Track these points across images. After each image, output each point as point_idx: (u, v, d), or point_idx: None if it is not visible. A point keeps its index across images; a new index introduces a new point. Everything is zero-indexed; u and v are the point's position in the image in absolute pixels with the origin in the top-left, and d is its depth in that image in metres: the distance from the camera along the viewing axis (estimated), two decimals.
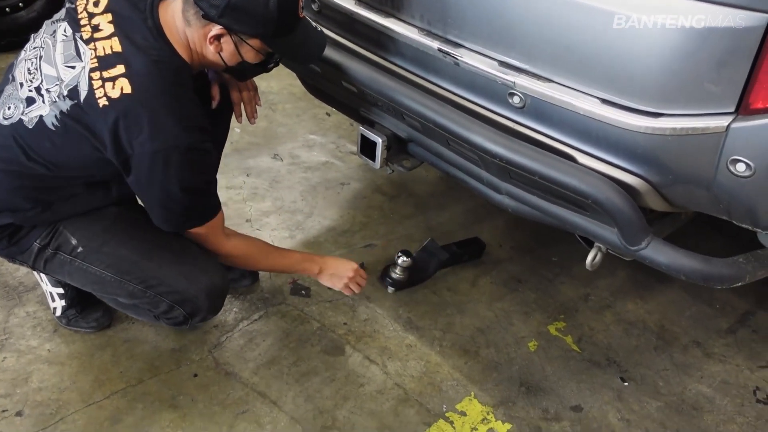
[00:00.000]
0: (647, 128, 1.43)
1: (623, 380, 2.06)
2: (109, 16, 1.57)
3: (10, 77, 1.68)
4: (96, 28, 1.56)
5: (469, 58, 1.70)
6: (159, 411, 1.80)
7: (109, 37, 1.54)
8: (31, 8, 3.49)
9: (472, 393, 1.96)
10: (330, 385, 1.93)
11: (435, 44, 1.76)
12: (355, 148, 2.77)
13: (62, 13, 1.65)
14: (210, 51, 1.59)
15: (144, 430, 1.75)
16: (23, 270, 2.16)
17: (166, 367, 1.93)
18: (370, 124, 2.15)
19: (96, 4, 1.59)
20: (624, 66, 1.44)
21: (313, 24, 1.81)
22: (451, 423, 1.87)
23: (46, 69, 1.58)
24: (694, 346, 2.22)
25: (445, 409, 1.90)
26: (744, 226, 1.54)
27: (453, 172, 2.05)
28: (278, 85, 3.58)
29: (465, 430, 1.85)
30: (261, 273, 2.26)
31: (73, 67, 1.55)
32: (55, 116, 1.55)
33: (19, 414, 1.75)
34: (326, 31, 2.12)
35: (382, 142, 2.08)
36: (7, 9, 3.43)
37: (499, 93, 1.69)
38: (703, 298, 2.41)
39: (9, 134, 1.61)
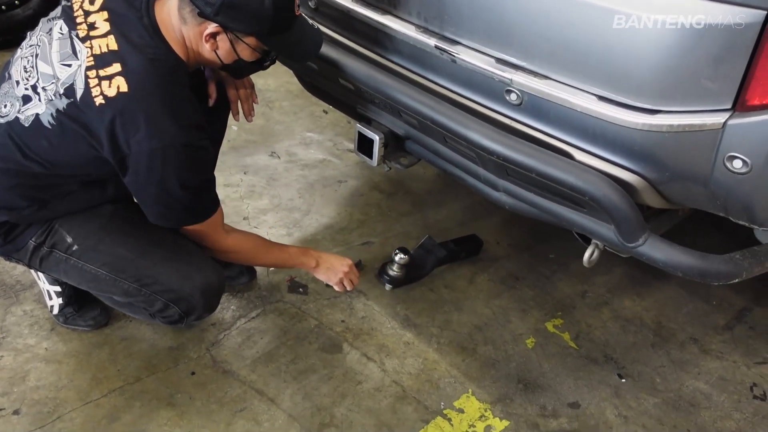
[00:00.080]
0: (644, 125, 1.43)
1: (620, 377, 2.07)
2: (105, 14, 1.56)
3: (6, 75, 1.67)
4: (92, 26, 1.55)
5: (466, 55, 1.70)
6: (157, 409, 1.80)
7: (105, 35, 1.54)
8: (27, 6, 3.49)
9: (470, 390, 1.96)
10: (328, 382, 1.93)
11: (432, 41, 1.76)
12: (352, 146, 2.77)
13: (58, 11, 1.64)
14: (206, 49, 1.58)
15: (142, 428, 1.75)
16: (20, 268, 2.16)
17: (164, 365, 1.93)
18: (368, 121, 2.15)
19: (92, 2, 1.58)
20: (621, 63, 1.43)
21: (310, 21, 1.81)
22: (449, 420, 1.87)
23: (42, 67, 1.58)
24: (691, 342, 2.23)
25: (442, 407, 1.90)
26: (741, 222, 1.55)
27: (450, 170, 2.05)
28: (275, 82, 3.57)
29: (463, 427, 1.86)
30: (258, 271, 2.26)
31: (69, 66, 1.54)
32: (52, 114, 1.55)
33: (16, 413, 1.75)
34: (323, 29, 2.12)
35: (380, 139, 2.08)
36: (3, 7, 3.42)
37: (497, 90, 1.69)
38: (700, 295, 2.42)
39: (5, 132, 1.61)
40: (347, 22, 2.04)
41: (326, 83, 2.22)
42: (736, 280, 1.61)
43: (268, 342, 2.04)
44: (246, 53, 1.61)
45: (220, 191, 1.78)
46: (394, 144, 2.13)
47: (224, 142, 2.17)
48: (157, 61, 1.53)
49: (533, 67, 1.60)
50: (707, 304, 2.39)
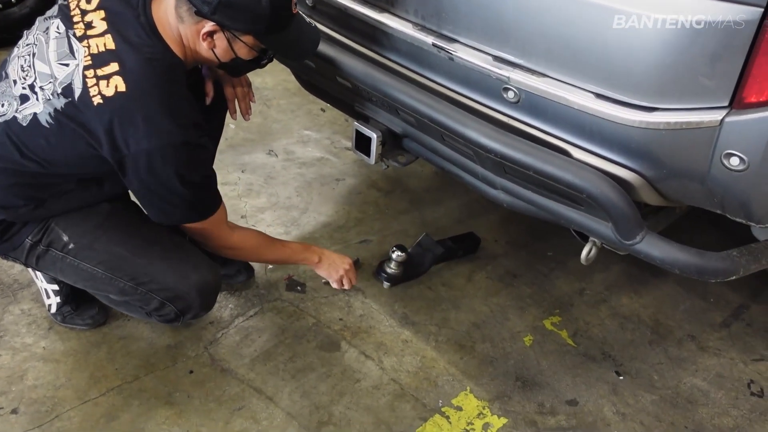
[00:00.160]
0: (641, 122, 1.43)
1: (618, 374, 2.07)
2: (102, 13, 1.56)
3: (3, 74, 1.67)
4: (89, 26, 1.55)
5: (463, 53, 1.70)
6: (155, 408, 1.80)
7: (102, 35, 1.53)
8: (24, 4, 3.48)
9: (468, 388, 1.97)
10: (326, 380, 1.94)
11: (429, 39, 1.76)
12: (349, 144, 2.77)
13: (55, 9, 1.64)
14: (203, 47, 1.58)
15: (140, 427, 1.75)
16: (18, 267, 2.16)
17: (162, 363, 1.93)
18: (365, 119, 2.15)
19: (88, 1, 1.58)
20: (619, 60, 1.43)
21: (307, 20, 1.81)
22: (447, 418, 1.87)
23: (40, 66, 1.58)
24: (688, 339, 2.23)
25: (440, 404, 1.91)
26: (738, 220, 1.55)
27: (448, 168, 2.05)
28: (273, 80, 3.57)
29: (461, 424, 1.86)
30: (256, 269, 2.26)
31: (66, 65, 1.54)
32: (49, 114, 1.55)
33: (14, 412, 1.75)
34: (320, 27, 2.11)
35: (377, 137, 2.08)
36: None
37: (494, 88, 1.69)
38: (698, 292, 2.42)
39: (3, 132, 1.60)
40: (345, 20, 2.03)
41: (324, 81, 2.22)
42: (733, 278, 1.61)
43: (266, 340, 2.04)
44: (243, 52, 1.61)
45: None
46: (392, 142, 2.14)
47: (222, 140, 2.17)
48: (155, 60, 1.53)
49: (531, 64, 1.60)
50: (704, 302, 2.39)
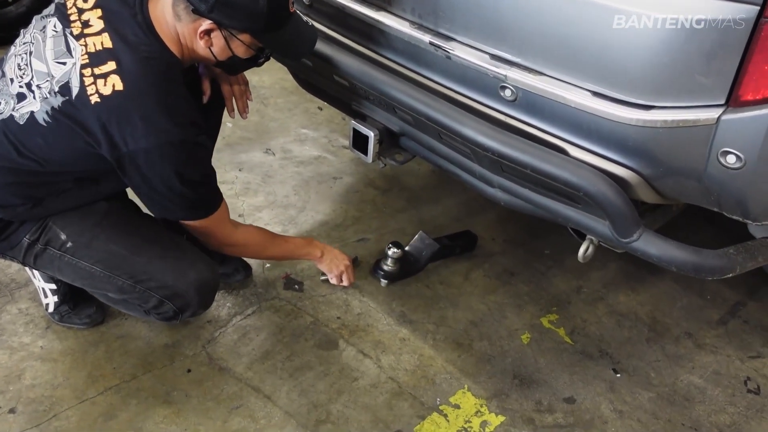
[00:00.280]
0: (638, 121, 1.44)
1: (616, 372, 2.08)
2: (98, 12, 1.56)
3: (0, 73, 1.67)
4: (86, 24, 1.55)
5: (460, 52, 1.70)
6: (153, 407, 1.80)
7: (99, 33, 1.53)
8: (20, 3, 3.47)
9: (466, 386, 1.97)
10: (324, 379, 1.94)
11: (426, 38, 1.76)
12: (347, 142, 2.77)
13: (51, 8, 1.64)
14: (200, 46, 1.58)
15: (138, 426, 1.75)
16: (15, 266, 2.15)
17: (160, 362, 1.93)
18: (362, 118, 2.15)
19: (85, 0, 1.58)
20: (616, 59, 1.44)
21: (304, 18, 1.81)
22: (445, 416, 1.88)
23: (37, 65, 1.57)
24: (685, 337, 2.24)
25: (438, 402, 1.91)
26: (734, 217, 1.55)
27: (445, 166, 2.05)
28: (270, 79, 3.57)
29: (459, 422, 1.86)
30: (254, 268, 2.26)
31: (63, 63, 1.54)
32: (47, 112, 1.54)
33: (12, 411, 1.75)
34: (317, 26, 2.11)
35: (375, 136, 2.08)
36: None
37: (491, 86, 1.69)
38: (695, 290, 2.43)
39: (0, 130, 1.60)
40: (342, 18, 2.03)
41: (321, 80, 2.22)
42: (730, 275, 1.62)
43: (264, 339, 2.04)
44: (240, 50, 1.61)
45: None
46: (389, 140, 2.14)
47: (219, 139, 2.17)
48: (152, 59, 1.53)
49: (528, 63, 1.60)
50: (701, 299, 2.40)
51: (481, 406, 1.91)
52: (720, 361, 2.15)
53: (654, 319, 2.30)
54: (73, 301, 1.98)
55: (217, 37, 1.56)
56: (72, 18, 1.57)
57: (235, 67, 1.73)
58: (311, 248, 2.09)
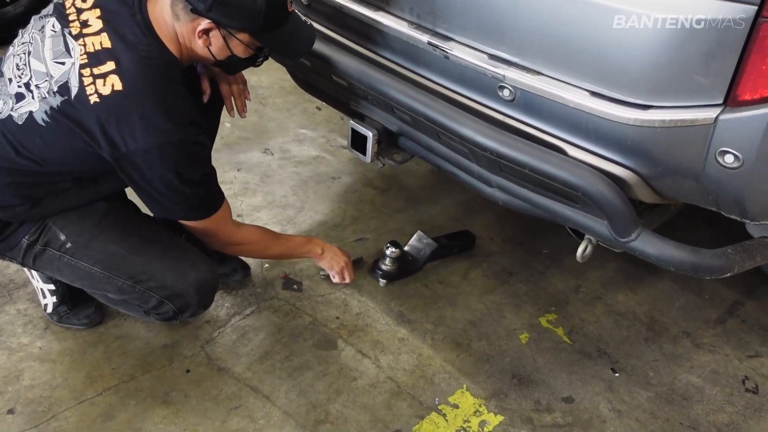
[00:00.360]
0: (636, 120, 1.44)
1: (614, 371, 2.08)
2: (97, 12, 1.56)
3: None
4: (85, 24, 1.55)
5: (458, 51, 1.70)
6: (152, 407, 1.80)
7: (98, 33, 1.53)
8: (18, 3, 3.47)
9: (465, 386, 1.97)
10: (323, 379, 1.94)
11: (425, 37, 1.76)
12: (345, 142, 2.77)
13: (50, 8, 1.64)
14: (199, 45, 1.58)
15: (137, 426, 1.75)
16: (14, 267, 2.15)
17: (159, 363, 1.93)
18: (361, 118, 2.15)
19: (84, 0, 1.58)
20: (615, 59, 1.44)
21: (303, 18, 1.81)
22: (444, 416, 1.88)
23: (35, 65, 1.57)
24: (683, 336, 2.24)
25: (437, 402, 1.91)
26: (732, 217, 1.56)
27: (444, 166, 2.05)
28: (268, 79, 3.57)
29: (457, 422, 1.86)
30: (253, 268, 2.26)
31: (62, 63, 1.54)
32: (45, 112, 1.54)
33: (11, 412, 1.75)
34: (316, 25, 2.11)
35: (373, 135, 2.08)
36: None
37: (489, 86, 1.69)
38: (693, 289, 2.43)
39: None
40: (340, 18, 2.04)
41: (319, 80, 2.22)
42: (728, 275, 1.62)
43: (262, 339, 2.04)
44: (239, 49, 1.61)
45: None
46: (388, 140, 2.14)
47: (217, 139, 2.17)
48: (151, 59, 1.53)
49: (526, 63, 1.60)
50: (699, 298, 2.40)
51: (480, 406, 1.92)
52: (718, 361, 2.15)
53: (652, 318, 2.30)
54: (72, 301, 1.98)
55: (216, 37, 1.56)
56: (71, 18, 1.57)
57: (233, 66, 1.73)
58: (312, 246, 2.10)
